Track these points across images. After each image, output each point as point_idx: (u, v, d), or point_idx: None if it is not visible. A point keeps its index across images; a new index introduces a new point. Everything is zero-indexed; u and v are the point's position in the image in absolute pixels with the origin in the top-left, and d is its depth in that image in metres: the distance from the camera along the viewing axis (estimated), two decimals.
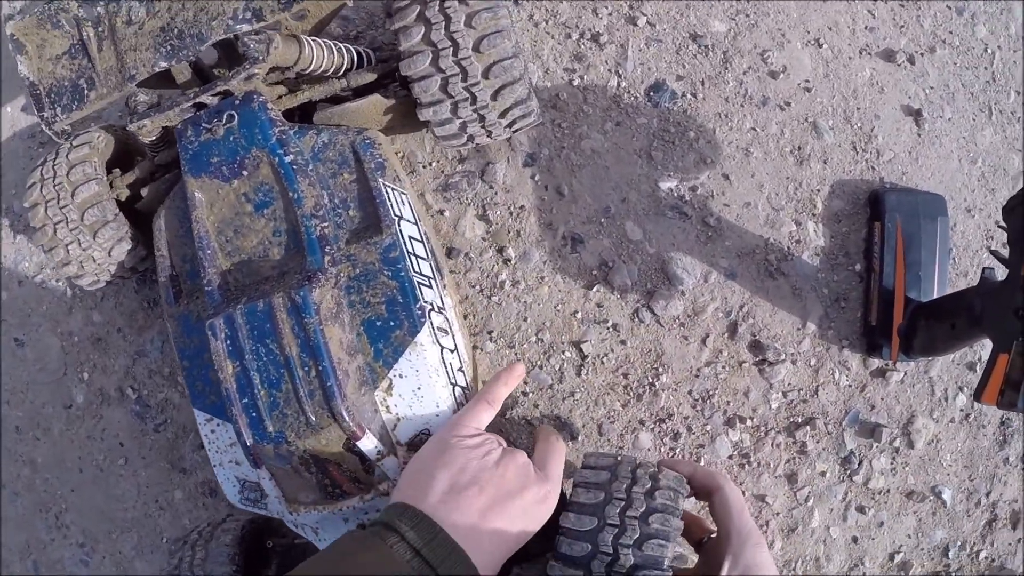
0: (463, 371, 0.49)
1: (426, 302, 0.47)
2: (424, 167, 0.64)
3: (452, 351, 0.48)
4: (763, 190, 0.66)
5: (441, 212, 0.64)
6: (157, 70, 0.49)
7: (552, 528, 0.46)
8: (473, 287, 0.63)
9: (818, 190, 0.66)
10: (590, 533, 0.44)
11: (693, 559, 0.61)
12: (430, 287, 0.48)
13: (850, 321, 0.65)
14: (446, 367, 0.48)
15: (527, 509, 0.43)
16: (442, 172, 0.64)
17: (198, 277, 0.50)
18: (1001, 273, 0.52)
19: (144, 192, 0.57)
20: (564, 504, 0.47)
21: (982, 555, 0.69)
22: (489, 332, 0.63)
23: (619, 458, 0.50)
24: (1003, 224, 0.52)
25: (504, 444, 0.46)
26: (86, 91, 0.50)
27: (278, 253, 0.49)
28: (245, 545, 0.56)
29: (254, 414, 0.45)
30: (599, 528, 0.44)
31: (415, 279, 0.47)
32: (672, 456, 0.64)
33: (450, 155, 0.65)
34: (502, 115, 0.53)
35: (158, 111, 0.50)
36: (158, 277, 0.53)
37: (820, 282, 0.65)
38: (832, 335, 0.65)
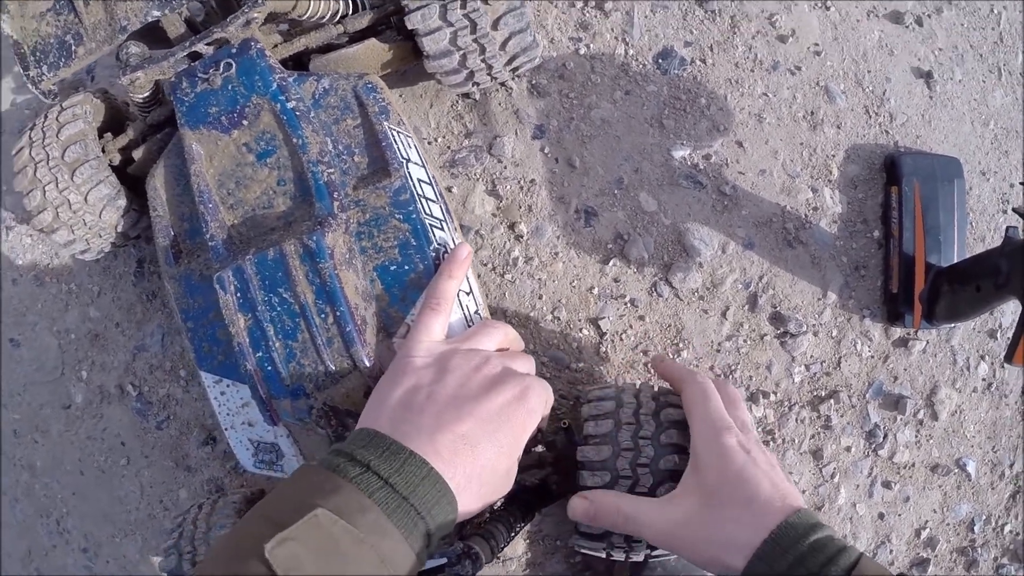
0: (479, 314, 0.48)
1: (439, 244, 0.46)
2: (430, 143, 0.63)
3: (468, 293, 0.47)
4: (778, 157, 0.64)
5: (449, 189, 0.62)
6: (150, 19, 0.47)
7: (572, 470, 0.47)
8: (485, 265, 0.61)
9: (833, 155, 0.65)
10: (607, 461, 0.46)
11: None
12: (442, 229, 0.47)
13: (870, 290, 0.64)
14: (463, 309, 0.46)
15: (501, 412, 0.38)
16: (448, 148, 0.63)
17: (198, 235, 0.48)
18: None
19: (136, 155, 0.54)
20: (576, 443, 0.48)
21: (1007, 528, 0.67)
22: (503, 311, 0.61)
23: (620, 385, 0.51)
24: None
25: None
26: (73, 47, 0.48)
27: (283, 203, 0.47)
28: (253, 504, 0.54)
29: (269, 368, 0.44)
30: (615, 455, 0.45)
31: (427, 221, 0.46)
32: None
33: (456, 130, 0.63)
34: (502, 46, 0.52)
35: (152, 63, 0.48)
36: (155, 238, 0.50)
37: (839, 250, 0.64)
38: (853, 305, 0.64)
